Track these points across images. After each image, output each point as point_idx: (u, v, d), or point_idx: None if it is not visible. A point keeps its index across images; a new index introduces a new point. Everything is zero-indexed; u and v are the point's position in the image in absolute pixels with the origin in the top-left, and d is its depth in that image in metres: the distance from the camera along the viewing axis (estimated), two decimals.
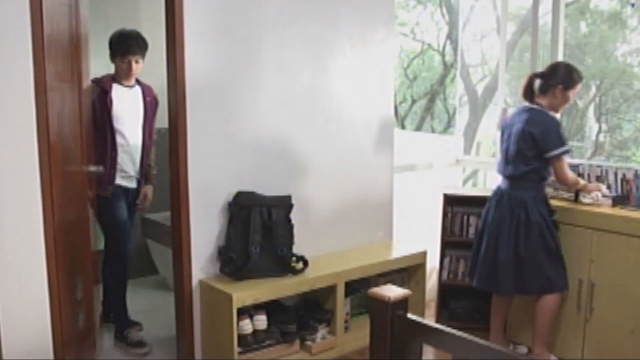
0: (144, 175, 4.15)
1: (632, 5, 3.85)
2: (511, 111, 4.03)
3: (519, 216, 3.71)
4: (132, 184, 4.10)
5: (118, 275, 4.06)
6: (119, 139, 3.93)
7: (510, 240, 3.72)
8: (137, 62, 3.93)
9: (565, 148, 3.65)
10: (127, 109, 3.97)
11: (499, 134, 4.06)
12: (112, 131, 3.90)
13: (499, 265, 3.77)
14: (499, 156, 3.96)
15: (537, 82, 3.79)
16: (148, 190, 4.22)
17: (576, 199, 3.98)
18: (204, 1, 3.47)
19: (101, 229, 4.02)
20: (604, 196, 3.87)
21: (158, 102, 4.17)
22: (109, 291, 4.13)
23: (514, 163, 3.75)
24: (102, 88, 3.88)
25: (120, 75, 3.95)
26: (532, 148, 3.67)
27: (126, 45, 3.89)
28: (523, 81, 3.85)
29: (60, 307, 3.06)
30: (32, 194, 2.90)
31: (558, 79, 3.71)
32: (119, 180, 3.98)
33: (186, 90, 3.45)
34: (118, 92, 3.93)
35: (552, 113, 3.74)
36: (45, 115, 2.91)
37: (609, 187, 3.97)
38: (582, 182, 3.86)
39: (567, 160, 3.76)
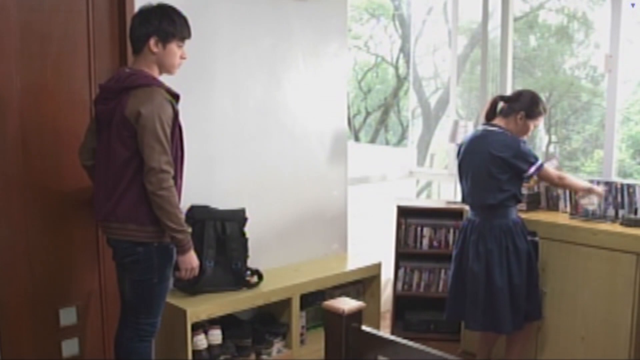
0: None
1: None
2: (465, 134, 3.88)
3: (507, 246, 3.54)
4: None
5: None
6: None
7: (503, 274, 3.51)
8: None
9: (540, 162, 3.55)
10: None
11: (454, 156, 3.83)
12: (182, 169, 2.98)
13: (497, 303, 3.54)
14: (464, 187, 3.71)
15: (500, 105, 3.67)
16: None
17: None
18: None
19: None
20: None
21: None
22: None
23: (488, 191, 3.56)
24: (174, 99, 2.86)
25: (169, 70, 2.92)
26: (507, 171, 3.52)
27: (188, 25, 2.93)
28: (487, 104, 3.75)
29: None
30: None
31: (522, 105, 3.58)
32: None
33: None
34: None
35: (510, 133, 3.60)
36: None
37: (557, 196, 4.07)
38: (583, 183, 3.73)
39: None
